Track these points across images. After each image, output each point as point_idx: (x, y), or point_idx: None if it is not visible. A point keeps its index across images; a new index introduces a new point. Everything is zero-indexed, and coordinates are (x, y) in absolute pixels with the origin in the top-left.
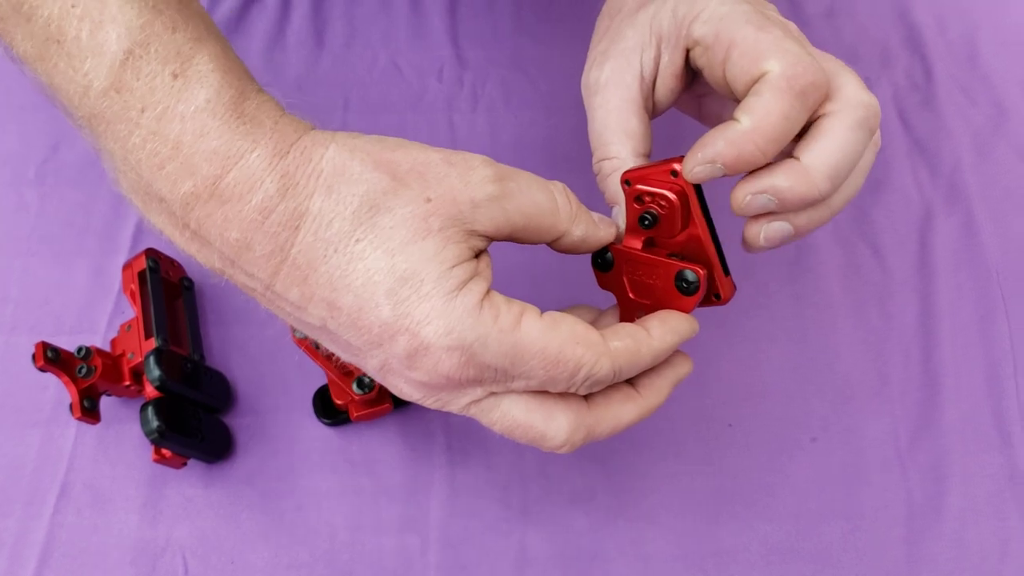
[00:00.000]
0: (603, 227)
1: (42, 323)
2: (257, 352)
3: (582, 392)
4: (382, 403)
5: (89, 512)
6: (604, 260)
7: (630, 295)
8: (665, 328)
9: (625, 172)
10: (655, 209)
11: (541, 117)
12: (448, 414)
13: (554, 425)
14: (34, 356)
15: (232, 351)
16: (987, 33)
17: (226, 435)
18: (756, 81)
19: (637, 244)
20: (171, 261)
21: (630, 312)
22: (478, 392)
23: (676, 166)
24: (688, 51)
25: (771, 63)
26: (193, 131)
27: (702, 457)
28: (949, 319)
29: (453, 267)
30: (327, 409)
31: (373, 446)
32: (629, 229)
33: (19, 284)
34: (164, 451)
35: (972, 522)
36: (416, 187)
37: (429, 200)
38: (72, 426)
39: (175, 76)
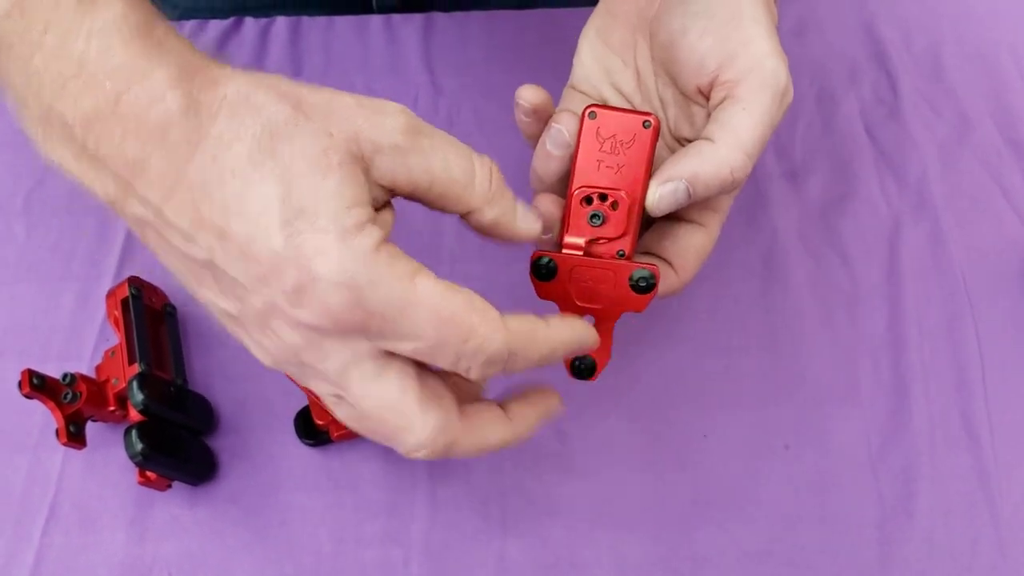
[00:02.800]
0: (523, 222)
1: (29, 350)
2: (239, 375)
3: (473, 374)
4: None
5: (77, 533)
6: (547, 269)
7: (576, 302)
8: (565, 323)
9: (592, 104)
10: (604, 211)
11: (515, 140)
12: None
13: (422, 420)
14: (20, 383)
15: (214, 375)
16: (951, 47)
17: (210, 457)
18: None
19: (580, 244)
20: (154, 288)
21: None
22: (362, 346)
23: (649, 118)
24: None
25: (727, 152)
26: (98, 48)
27: (677, 465)
28: (918, 325)
29: (351, 208)
30: (308, 429)
31: (355, 464)
32: (572, 230)
33: (6, 311)
34: (149, 473)
35: (943, 523)
36: (319, 121)
37: (331, 135)
38: (59, 450)
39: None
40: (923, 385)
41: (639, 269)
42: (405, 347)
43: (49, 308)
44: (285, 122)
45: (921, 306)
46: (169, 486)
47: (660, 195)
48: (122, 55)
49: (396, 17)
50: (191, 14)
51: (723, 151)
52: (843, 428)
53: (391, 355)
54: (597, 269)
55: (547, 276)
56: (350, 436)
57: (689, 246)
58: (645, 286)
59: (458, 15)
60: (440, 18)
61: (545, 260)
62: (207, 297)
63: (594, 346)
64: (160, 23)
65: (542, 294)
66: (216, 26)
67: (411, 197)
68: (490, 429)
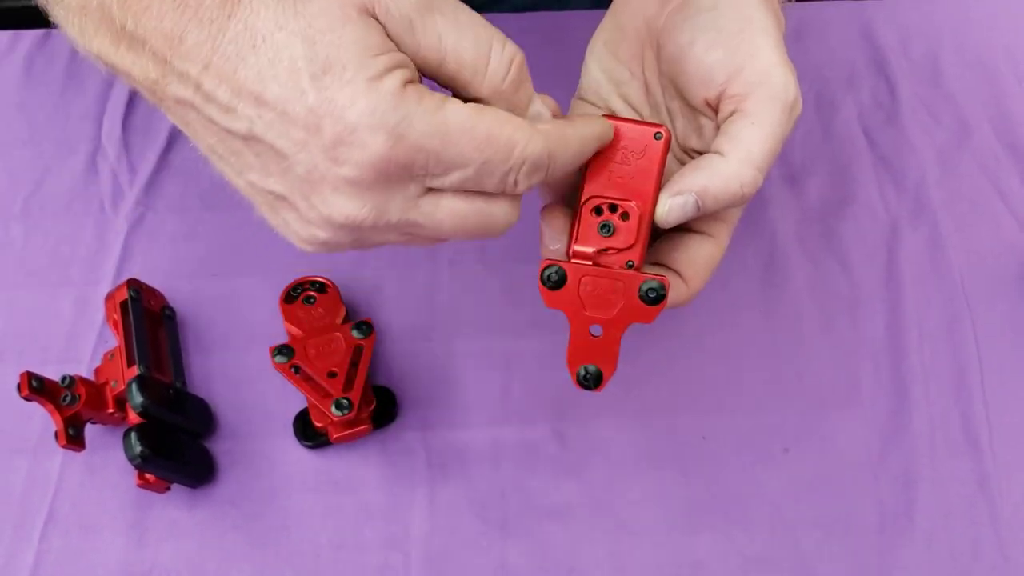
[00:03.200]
0: (541, 129)
1: (28, 353)
2: (238, 378)
3: (520, 186)
4: (360, 424)
5: (76, 536)
6: (556, 278)
7: (586, 312)
8: (585, 121)
9: (603, 115)
10: (614, 221)
11: None
12: (425, 433)
13: (500, 210)
14: (19, 386)
15: (213, 377)
16: (949, 53)
17: (208, 459)
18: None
19: (589, 254)
20: (153, 291)
21: (584, 328)
22: (411, 190)
23: (661, 130)
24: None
25: (737, 167)
26: None
27: (677, 469)
28: (917, 329)
29: (376, 56)
30: (307, 432)
31: (354, 466)
32: (581, 239)
33: (5, 315)
34: (148, 476)
35: (943, 526)
36: None
37: None
38: (58, 453)
39: None
40: (923, 388)
41: (649, 280)
42: (453, 178)
43: (48, 312)
44: None
45: (920, 310)
46: (168, 488)
47: (669, 207)
48: None
49: None
50: None
51: (734, 165)
52: (843, 431)
53: (436, 191)
54: (606, 279)
55: (556, 285)
56: (349, 438)
57: (698, 257)
58: (655, 297)
59: None
60: None
61: (554, 269)
62: (252, 180)
63: (611, 138)
64: None
65: (550, 303)
66: None
67: (425, 74)
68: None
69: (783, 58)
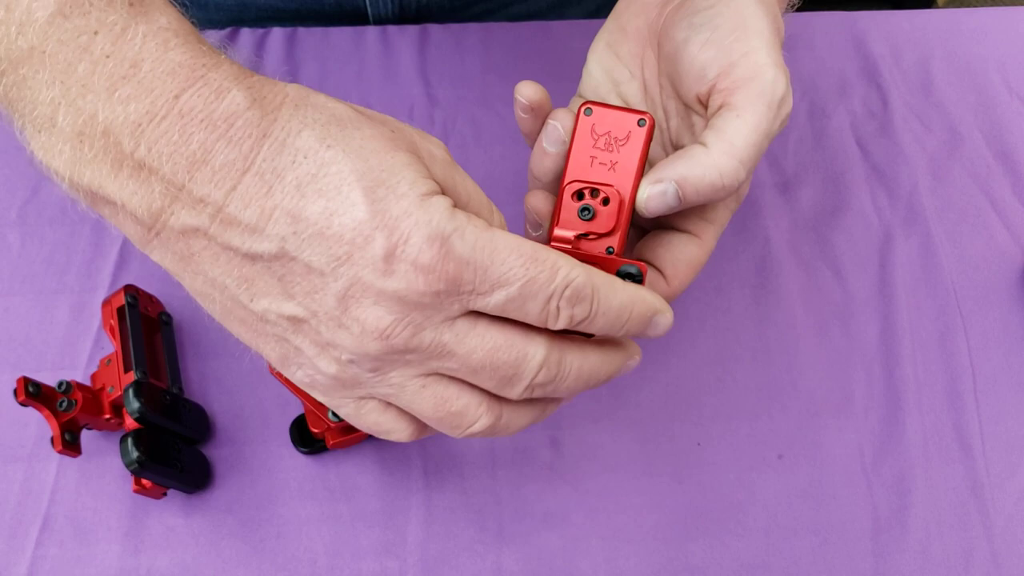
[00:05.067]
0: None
1: (24, 360)
2: (234, 384)
3: (561, 316)
4: (357, 430)
5: (71, 544)
6: None
7: None
8: (624, 284)
9: (587, 101)
10: (595, 206)
11: (510, 151)
12: (422, 440)
13: (533, 344)
14: (15, 391)
15: (210, 383)
16: (940, 62)
17: (205, 465)
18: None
19: (569, 238)
20: (149, 297)
21: None
22: (453, 308)
23: (644, 117)
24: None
25: (718, 157)
26: (156, 47)
27: (672, 475)
28: (909, 337)
29: (426, 178)
30: (304, 438)
31: (350, 473)
32: (562, 224)
33: (2, 321)
34: (144, 481)
35: (937, 534)
36: (379, 121)
37: (393, 131)
38: (54, 460)
39: (131, 4)
40: (916, 396)
41: (627, 265)
42: (498, 297)
43: (44, 319)
44: (350, 117)
45: (913, 318)
46: (164, 494)
47: (649, 195)
48: (182, 54)
49: (391, 28)
50: None
51: (714, 156)
52: (836, 439)
53: (476, 315)
54: (586, 263)
55: None
56: (346, 445)
57: (682, 256)
58: (631, 281)
59: (453, 26)
60: (435, 29)
61: None
62: (265, 308)
63: (669, 321)
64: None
65: None
66: (212, 36)
67: None
68: (585, 349)
69: (776, 58)
